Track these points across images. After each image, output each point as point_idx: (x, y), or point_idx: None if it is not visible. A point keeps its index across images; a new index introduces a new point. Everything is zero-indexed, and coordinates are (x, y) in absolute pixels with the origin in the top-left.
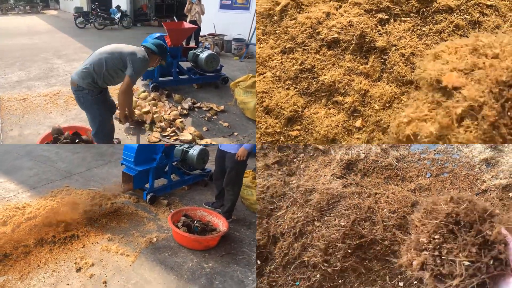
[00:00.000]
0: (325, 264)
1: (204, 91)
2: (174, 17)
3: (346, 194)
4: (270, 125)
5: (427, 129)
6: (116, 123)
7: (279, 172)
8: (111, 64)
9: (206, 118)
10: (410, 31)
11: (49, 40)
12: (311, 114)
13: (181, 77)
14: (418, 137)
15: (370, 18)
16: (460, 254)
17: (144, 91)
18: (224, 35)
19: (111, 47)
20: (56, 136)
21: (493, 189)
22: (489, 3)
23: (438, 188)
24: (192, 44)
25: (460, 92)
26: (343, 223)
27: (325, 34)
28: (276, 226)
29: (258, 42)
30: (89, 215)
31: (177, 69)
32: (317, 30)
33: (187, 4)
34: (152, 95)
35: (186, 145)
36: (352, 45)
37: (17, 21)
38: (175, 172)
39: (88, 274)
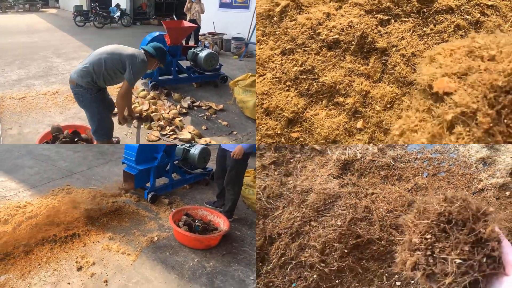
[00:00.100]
0: (322, 264)
1: (203, 90)
2: (174, 16)
3: (343, 194)
4: (270, 126)
5: (418, 140)
6: (115, 122)
7: (276, 173)
8: (110, 64)
9: (205, 117)
10: (411, 31)
11: (48, 39)
12: (311, 115)
13: (180, 76)
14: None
15: (371, 19)
16: (452, 253)
17: (143, 90)
18: (224, 34)
19: (111, 48)
20: (56, 135)
21: (489, 188)
22: (489, 3)
23: (435, 188)
24: (191, 43)
25: (451, 98)
26: (339, 223)
27: (326, 35)
28: (272, 227)
29: (258, 43)
30: (90, 214)
31: (176, 68)
32: (317, 31)
33: (186, 3)
34: (152, 93)
35: (187, 144)
36: (353, 46)
37: (16, 20)
38: (176, 171)
39: (89, 273)
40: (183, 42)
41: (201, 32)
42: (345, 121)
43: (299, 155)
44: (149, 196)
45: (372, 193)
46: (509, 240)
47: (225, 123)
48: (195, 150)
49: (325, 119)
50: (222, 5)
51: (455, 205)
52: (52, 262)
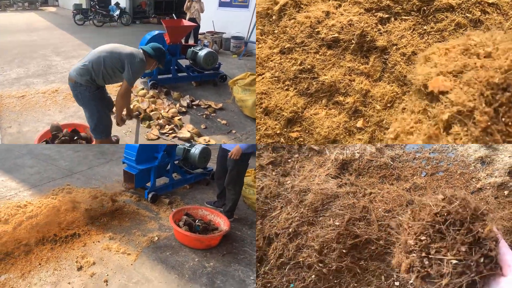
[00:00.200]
0: (320, 265)
1: (202, 89)
2: (173, 15)
3: (341, 194)
4: (269, 126)
5: (414, 143)
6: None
7: (274, 173)
8: (109, 63)
9: (204, 116)
10: (411, 30)
11: (47, 37)
12: (311, 115)
13: (179, 74)
14: None
15: (370, 17)
16: (448, 253)
17: (142, 89)
18: (223, 33)
19: (110, 46)
20: (55, 134)
21: (488, 187)
22: (490, 1)
23: (433, 187)
24: (191, 41)
25: (447, 97)
26: (337, 223)
27: (325, 33)
28: (270, 227)
29: (257, 42)
30: (90, 213)
31: (175, 67)
32: (316, 30)
33: (186, 2)
34: (151, 92)
35: (188, 144)
36: (353, 45)
37: (15, 18)
38: (176, 171)
39: (89, 272)
40: (183, 41)
41: (200, 31)
42: (345, 120)
43: (297, 155)
44: (150, 195)
45: (370, 193)
46: (507, 240)
47: (224, 122)
48: (196, 150)
49: (325, 119)
50: (222, 4)
51: (454, 204)
52: (52, 261)
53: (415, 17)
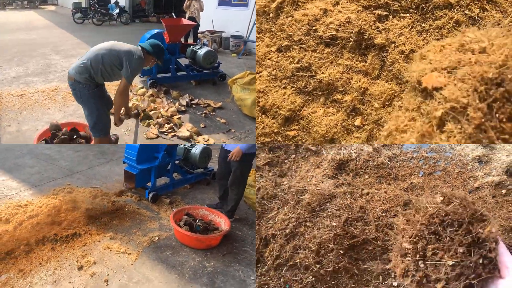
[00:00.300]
0: (317, 266)
1: (201, 88)
2: (173, 13)
3: (338, 194)
4: (267, 125)
5: (408, 141)
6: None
7: (270, 174)
8: (107, 60)
9: (203, 115)
10: (410, 27)
11: (47, 36)
12: (309, 113)
13: (179, 73)
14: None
15: (369, 15)
16: (445, 255)
17: (142, 88)
18: (222, 31)
19: (108, 44)
20: (54, 132)
21: (485, 186)
22: None
23: (431, 187)
24: (190, 40)
25: (440, 93)
26: (334, 224)
27: (323, 31)
28: (267, 228)
29: (257, 41)
30: (90, 213)
31: (175, 66)
32: (314, 27)
33: (186, 1)
34: (150, 91)
35: (188, 144)
36: (350, 43)
37: (14, 16)
38: (177, 171)
39: (90, 272)
40: (182, 39)
41: (200, 29)
42: (343, 118)
43: (293, 156)
44: (150, 195)
45: (368, 193)
46: (505, 239)
47: (223, 121)
48: (196, 150)
49: (323, 117)
50: (221, 3)
51: (452, 204)
52: (53, 261)
53: (414, 14)
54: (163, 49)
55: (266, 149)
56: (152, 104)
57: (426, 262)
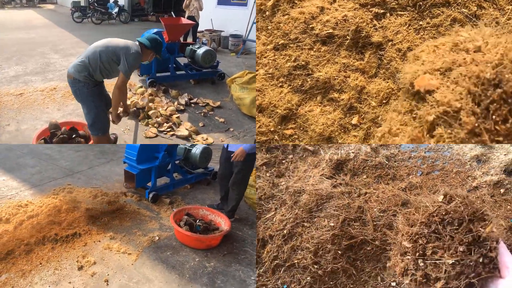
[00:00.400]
0: (315, 266)
1: (200, 87)
2: (172, 13)
3: (336, 194)
4: (263, 124)
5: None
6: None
7: (267, 174)
8: (105, 57)
9: (202, 114)
10: (407, 25)
11: (46, 35)
12: (306, 112)
13: (178, 73)
14: None
15: (366, 13)
16: (445, 254)
17: (141, 87)
18: (222, 31)
19: (105, 41)
20: (53, 132)
21: (484, 185)
22: None
23: (429, 186)
24: (189, 40)
25: (433, 97)
26: (332, 224)
27: (319, 29)
28: (265, 229)
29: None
30: (91, 213)
31: (174, 65)
32: (310, 26)
33: (185, 0)
34: (149, 90)
35: (189, 144)
36: (347, 41)
37: (13, 15)
38: (177, 171)
39: (90, 272)
40: (181, 39)
41: (199, 29)
42: (340, 117)
43: (291, 156)
44: (150, 195)
45: (366, 193)
46: (504, 239)
47: (222, 120)
48: (197, 150)
49: (320, 116)
50: (220, 2)
51: (452, 202)
52: (53, 261)
53: (411, 12)
54: (161, 43)
55: (264, 149)
56: (151, 104)
57: (426, 261)
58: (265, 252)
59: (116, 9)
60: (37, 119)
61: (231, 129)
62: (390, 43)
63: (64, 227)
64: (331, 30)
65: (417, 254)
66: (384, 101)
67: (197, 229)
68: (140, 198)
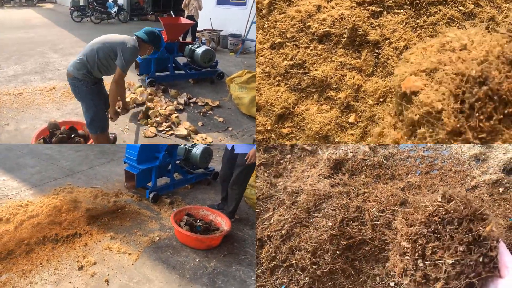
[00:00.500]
0: (314, 267)
1: (199, 87)
2: (171, 12)
3: (334, 194)
4: (260, 122)
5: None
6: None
7: (265, 174)
8: (102, 53)
9: (201, 113)
10: (404, 23)
11: (45, 34)
12: (302, 110)
13: (177, 72)
14: None
15: (362, 11)
16: (445, 253)
17: (140, 86)
18: (221, 30)
19: (103, 38)
20: (53, 131)
21: (483, 185)
22: None
23: (428, 186)
24: (188, 39)
25: (418, 97)
26: (331, 224)
27: (316, 28)
28: (263, 230)
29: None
30: (91, 213)
31: (173, 65)
32: (307, 24)
33: None
34: (149, 90)
35: (189, 144)
36: (344, 39)
37: (12, 14)
38: (178, 171)
39: (90, 272)
40: (180, 38)
41: (198, 28)
42: (337, 115)
43: (289, 156)
44: (151, 195)
45: (364, 193)
46: (503, 238)
47: (221, 119)
48: (197, 150)
49: (317, 114)
50: (219, 2)
51: (452, 202)
52: (53, 261)
53: (408, 10)
54: (159, 36)
55: (261, 149)
56: (150, 103)
57: (426, 262)
58: (263, 253)
59: (115, 8)
60: (36, 119)
61: (230, 129)
62: (387, 41)
63: (65, 227)
64: (327, 29)
65: (417, 254)
66: (381, 100)
67: (198, 229)
68: (140, 198)
